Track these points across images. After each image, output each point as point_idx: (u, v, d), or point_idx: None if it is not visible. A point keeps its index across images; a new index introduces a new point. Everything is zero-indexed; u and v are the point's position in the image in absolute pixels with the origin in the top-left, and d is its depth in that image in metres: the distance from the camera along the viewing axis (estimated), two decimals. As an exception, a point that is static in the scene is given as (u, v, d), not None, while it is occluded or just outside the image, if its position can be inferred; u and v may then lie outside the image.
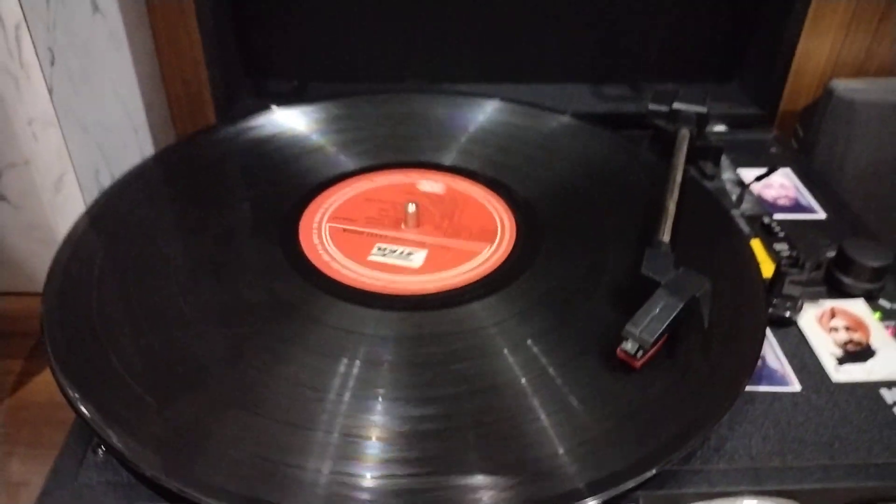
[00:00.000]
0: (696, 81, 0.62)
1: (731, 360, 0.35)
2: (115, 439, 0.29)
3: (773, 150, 0.57)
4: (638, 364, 0.33)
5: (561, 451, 0.30)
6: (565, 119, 0.53)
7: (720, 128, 0.60)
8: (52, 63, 0.46)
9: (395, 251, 0.41)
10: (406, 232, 0.43)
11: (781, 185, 0.52)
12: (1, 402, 0.47)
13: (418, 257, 0.41)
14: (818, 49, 0.63)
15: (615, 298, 0.38)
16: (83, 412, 0.31)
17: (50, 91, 0.46)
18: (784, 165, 0.54)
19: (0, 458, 0.44)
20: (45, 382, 0.48)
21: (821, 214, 0.49)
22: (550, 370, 0.34)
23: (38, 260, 0.53)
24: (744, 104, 0.61)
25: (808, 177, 0.53)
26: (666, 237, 0.38)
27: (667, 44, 0.61)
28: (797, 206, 0.50)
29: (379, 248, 0.42)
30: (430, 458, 0.30)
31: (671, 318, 0.33)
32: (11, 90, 0.45)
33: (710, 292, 0.34)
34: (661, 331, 0.32)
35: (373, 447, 0.30)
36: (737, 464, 0.32)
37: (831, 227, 0.48)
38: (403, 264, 0.40)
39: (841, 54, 0.63)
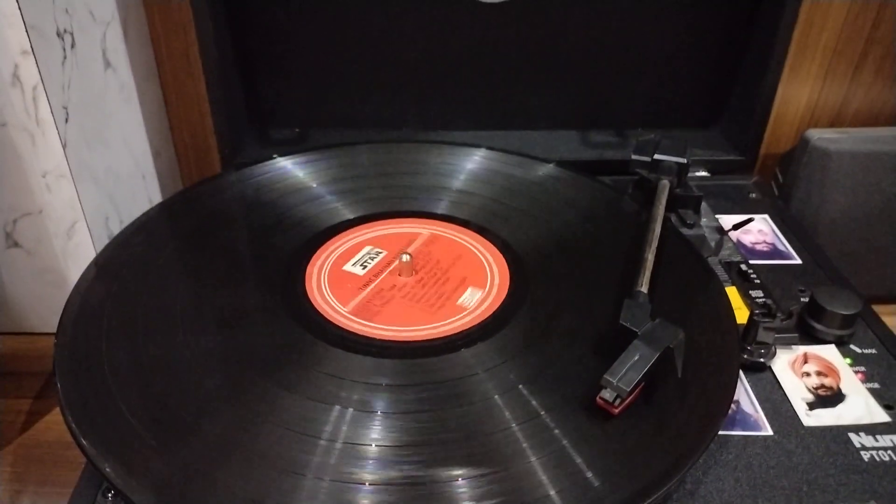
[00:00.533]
0: (679, 128, 0.65)
1: (706, 405, 0.36)
2: (114, 477, 0.31)
3: (753, 195, 0.59)
4: (616, 411, 0.35)
5: (552, 493, 0.32)
6: (552, 168, 0.56)
7: (702, 173, 0.62)
8: (67, 120, 0.49)
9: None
10: (398, 279, 0.45)
11: (760, 230, 0.55)
12: (11, 441, 0.49)
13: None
14: (796, 97, 0.66)
15: (598, 345, 0.40)
16: (89, 451, 0.32)
17: (64, 146, 0.49)
18: (762, 212, 0.56)
19: (10, 496, 0.45)
20: (54, 422, 0.50)
21: (797, 260, 0.51)
22: (540, 416, 0.36)
23: (50, 302, 0.55)
24: (725, 150, 0.63)
25: (785, 223, 0.55)
26: (644, 288, 0.40)
27: (651, 92, 0.64)
28: (775, 252, 0.52)
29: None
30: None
31: (647, 367, 0.35)
32: (28, 146, 0.48)
33: (683, 342, 0.36)
34: (637, 380, 0.34)
35: (366, 492, 0.32)
36: (710, 506, 0.34)
37: (806, 273, 0.50)
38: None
39: (819, 102, 0.66)
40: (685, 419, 0.36)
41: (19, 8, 0.44)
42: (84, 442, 0.33)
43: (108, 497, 0.33)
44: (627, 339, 0.37)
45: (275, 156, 0.56)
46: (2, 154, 0.48)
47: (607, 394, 0.35)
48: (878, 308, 0.47)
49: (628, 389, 0.34)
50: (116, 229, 0.56)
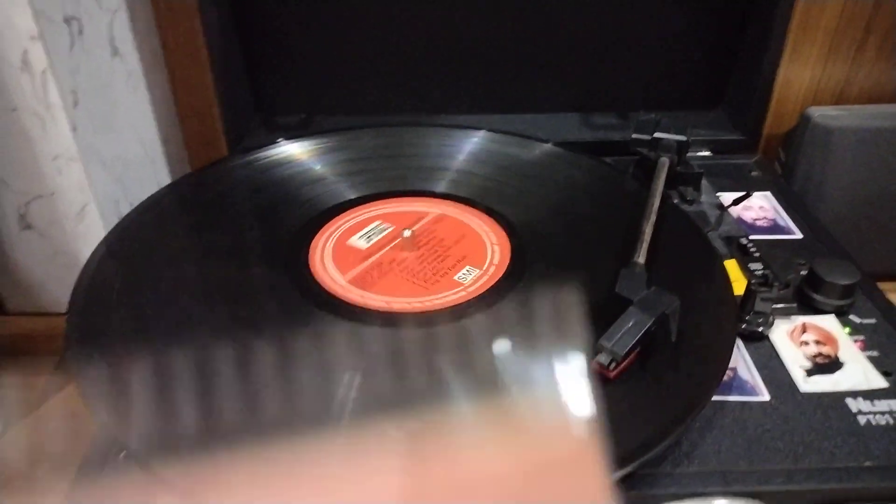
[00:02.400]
0: (681, 109, 0.65)
1: (702, 370, 0.37)
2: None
3: (755, 174, 0.60)
4: (612, 375, 0.35)
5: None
6: (550, 147, 0.57)
7: (704, 153, 0.62)
8: (76, 105, 0.50)
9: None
10: (399, 254, 0.46)
11: (761, 207, 0.55)
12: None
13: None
14: (798, 77, 0.66)
15: (595, 315, 0.41)
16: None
17: (73, 130, 0.50)
18: (764, 189, 0.57)
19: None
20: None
21: (798, 235, 0.52)
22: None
23: (62, 283, 0.56)
24: (727, 130, 0.64)
25: (786, 199, 0.55)
26: (641, 259, 0.41)
27: (653, 74, 0.65)
28: (775, 228, 0.53)
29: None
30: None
31: (641, 332, 0.35)
32: (38, 130, 0.49)
33: (678, 309, 0.37)
34: (631, 344, 0.35)
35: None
36: (706, 467, 0.34)
37: (807, 248, 0.50)
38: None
39: (821, 82, 0.66)
40: (681, 384, 0.36)
41: (27, -7, 0.45)
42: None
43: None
44: (624, 307, 0.37)
45: (280, 140, 0.57)
46: (14, 138, 0.49)
47: (603, 357, 0.35)
48: (881, 286, 0.47)
49: (623, 353, 0.35)
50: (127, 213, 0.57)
